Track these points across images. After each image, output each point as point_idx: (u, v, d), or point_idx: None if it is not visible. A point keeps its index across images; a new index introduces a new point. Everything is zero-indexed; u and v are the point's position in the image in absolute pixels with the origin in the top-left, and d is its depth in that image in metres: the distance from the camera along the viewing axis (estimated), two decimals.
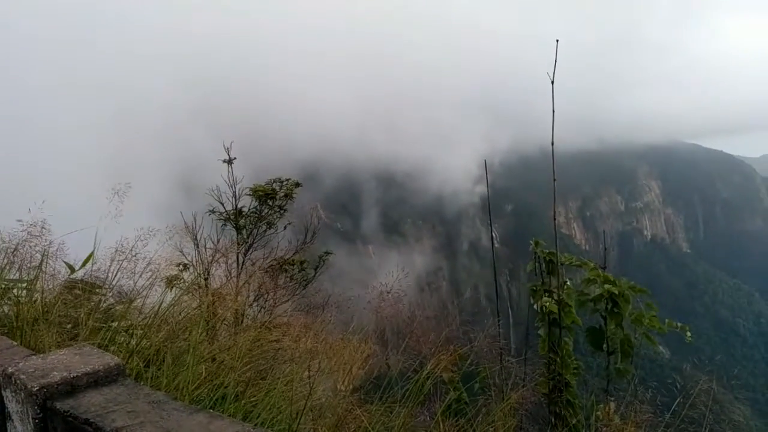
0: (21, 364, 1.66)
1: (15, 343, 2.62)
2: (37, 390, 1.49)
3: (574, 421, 5.76)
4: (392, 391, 4.29)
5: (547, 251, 6.30)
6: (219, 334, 5.44)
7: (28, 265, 5.04)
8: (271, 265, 8.07)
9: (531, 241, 6.28)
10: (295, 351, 5.06)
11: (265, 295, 7.12)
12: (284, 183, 8.82)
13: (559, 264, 6.05)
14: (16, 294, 4.92)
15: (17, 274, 5.03)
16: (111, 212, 4.79)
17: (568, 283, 6.20)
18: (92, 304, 4.68)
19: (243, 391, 3.88)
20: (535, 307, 6.14)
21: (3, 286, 4.99)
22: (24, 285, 5.11)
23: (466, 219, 73.17)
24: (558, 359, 5.85)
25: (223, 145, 7.33)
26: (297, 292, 8.30)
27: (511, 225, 65.45)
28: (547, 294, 6.06)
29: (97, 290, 5.29)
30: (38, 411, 1.48)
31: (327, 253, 9.25)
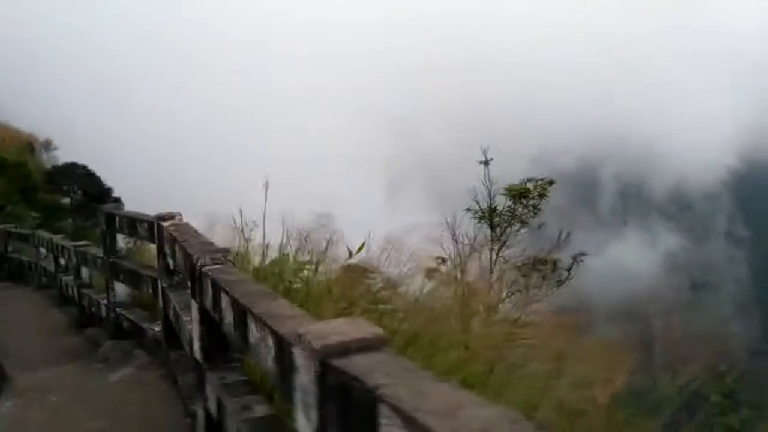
0: (308, 327, 2.00)
1: (304, 312, 3.08)
2: (319, 348, 1.79)
3: None
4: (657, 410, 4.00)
5: None
6: (472, 326, 5.69)
7: (316, 249, 5.91)
8: (525, 263, 8.09)
9: None
10: (546, 350, 5.03)
11: (518, 293, 7.18)
12: (538, 182, 8.74)
13: None
14: (305, 274, 5.86)
15: (308, 257, 5.92)
16: (386, 204, 5.33)
17: None
18: (364, 287, 5.33)
19: (488, 378, 4.01)
20: None
21: (296, 267, 6.00)
22: (312, 266, 6.03)
23: (713, 199, 60.72)
24: None
25: (480, 147, 7.58)
26: (550, 292, 8.17)
27: None
28: None
29: (369, 274, 6.01)
30: (318, 366, 1.80)
31: (581, 254, 8.90)
